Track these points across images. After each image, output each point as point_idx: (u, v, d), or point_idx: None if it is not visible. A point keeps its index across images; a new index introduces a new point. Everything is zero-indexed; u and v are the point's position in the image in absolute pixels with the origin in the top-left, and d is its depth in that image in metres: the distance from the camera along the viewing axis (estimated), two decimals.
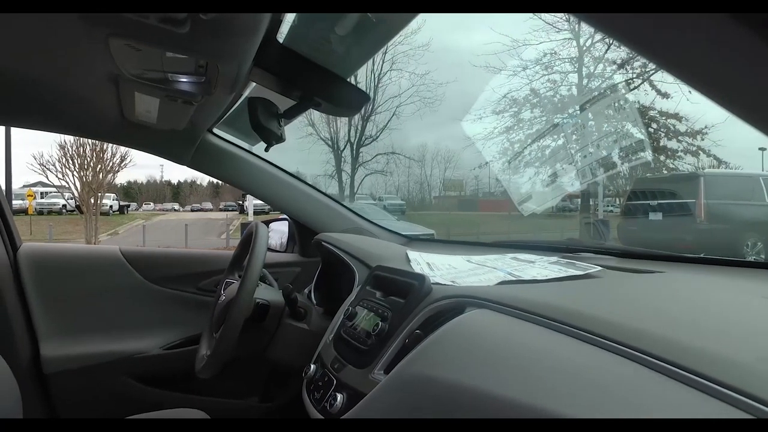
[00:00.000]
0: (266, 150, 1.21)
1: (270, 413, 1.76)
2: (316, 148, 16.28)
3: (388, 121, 16.07)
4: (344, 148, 16.20)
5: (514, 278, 0.99)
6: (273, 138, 1.05)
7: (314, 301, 1.49)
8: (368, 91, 15.64)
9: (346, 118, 15.59)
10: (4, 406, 1.29)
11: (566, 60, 10.91)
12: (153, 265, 1.77)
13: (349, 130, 16.09)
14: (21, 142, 32.79)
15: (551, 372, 0.63)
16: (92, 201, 15.78)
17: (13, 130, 11.99)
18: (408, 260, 1.26)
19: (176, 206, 32.00)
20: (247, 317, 1.22)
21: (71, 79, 1.24)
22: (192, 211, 29.72)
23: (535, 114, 10.64)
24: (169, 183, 39.02)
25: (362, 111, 15.65)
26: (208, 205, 31.80)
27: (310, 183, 1.78)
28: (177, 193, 37.45)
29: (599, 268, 1.01)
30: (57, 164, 15.06)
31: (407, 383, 0.81)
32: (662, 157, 9.71)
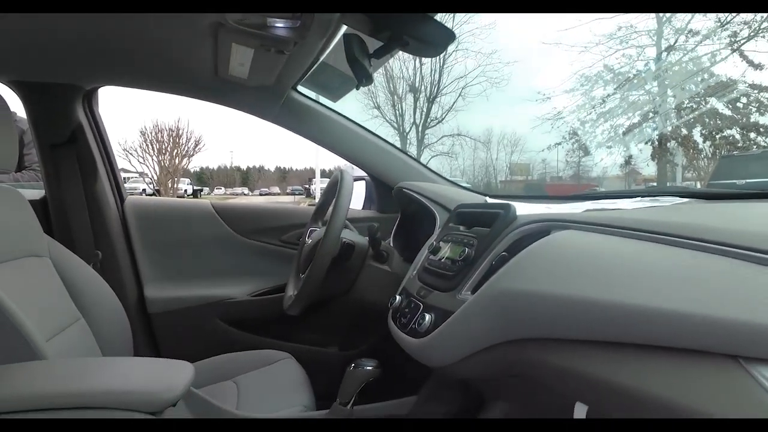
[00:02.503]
0: (357, 88, 1.27)
1: (348, 359, 1.85)
2: (381, 131, 16.35)
3: (454, 102, 15.88)
4: (409, 130, 16.19)
5: (599, 208, 1.00)
6: (364, 76, 1.10)
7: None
8: (434, 72, 15.55)
9: (410, 101, 15.57)
10: (120, 340, 1.44)
11: (643, 33, 10.38)
12: (240, 218, 1.88)
13: (414, 112, 16.04)
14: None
15: (646, 274, 0.65)
16: (170, 185, 16.66)
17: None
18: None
19: (245, 190, 33.17)
20: (334, 256, 1.29)
21: (171, 35, 1.34)
22: (260, 195, 30.74)
23: (608, 91, 10.22)
24: (238, 168, 40.45)
25: (429, 92, 15.57)
26: (275, 189, 32.79)
27: (389, 141, 1.82)
28: (246, 178, 38.79)
29: (686, 199, 1.01)
30: (138, 149, 15.97)
31: (495, 297, 0.85)
32: (752, 134, 9.03)
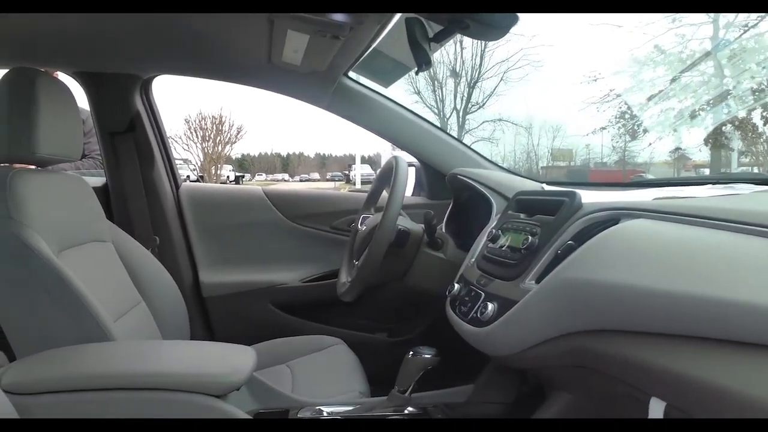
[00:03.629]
0: (417, 73, 1.25)
1: (396, 346, 1.85)
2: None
3: (496, 86, 15.60)
4: (450, 115, 16.00)
5: (669, 196, 0.96)
6: (424, 60, 1.08)
7: None
8: (475, 56, 15.30)
9: (451, 86, 15.38)
10: (178, 323, 1.48)
11: None
12: (291, 204, 1.90)
13: (455, 97, 15.84)
14: None
15: (739, 266, 0.62)
16: (213, 171, 17.06)
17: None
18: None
19: (286, 176, 33.57)
20: (390, 242, 1.29)
21: (228, 23, 1.35)
22: (301, 181, 31.07)
23: (658, 73, 9.79)
24: (278, 155, 40.96)
25: (470, 77, 15.35)
26: (315, 175, 33.07)
27: (441, 127, 1.81)
28: (286, 164, 39.25)
29: (765, 187, 0.95)
30: (183, 137, 16.39)
31: (562, 287, 0.83)
32: None
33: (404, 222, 1.38)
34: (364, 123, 1.77)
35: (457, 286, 1.14)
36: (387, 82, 1.70)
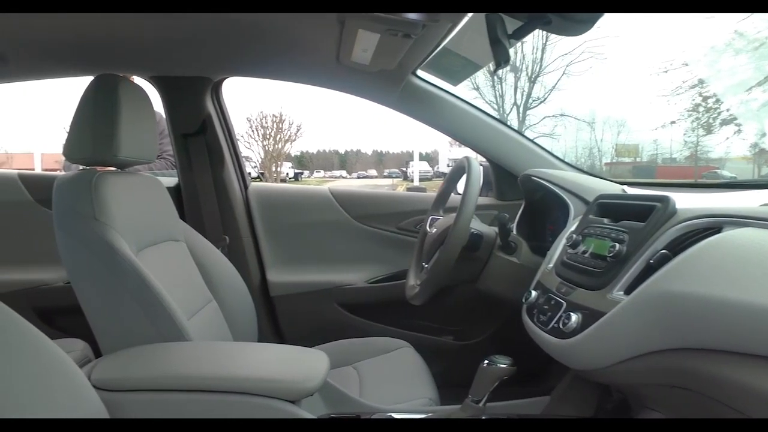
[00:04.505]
0: (495, 71, 1.21)
1: (464, 349, 1.81)
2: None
3: (558, 80, 15.14)
4: (510, 111, 15.66)
5: None
6: (504, 57, 1.04)
7: None
8: (536, 50, 14.91)
9: (511, 81, 15.05)
10: (246, 322, 1.50)
11: None
12: (357, 204, 1.90)
13: (515, 92, 15.48)
14: None
15: None
16: (273, 168, 17.49)
17: None
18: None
19: (343, 173, 33.98)
20: (463, 246, 1.25)
21: (299, 23, 1.35)
22: (358, 177, 31.35)
23: (740, 61, 9.16)
24: (336, 152, 41.51)
25: (530, 71, 14.98)
26: (373, 172, 33.29)
27: (511, 126, 1.75)
28: (344, 161, 39.75)
29: None
30: (244, 135, 16.90)
31: (656, 300, 0.77)
32: None
33: (477, 225, 1.34)
34: (433, 122, 1.74)
35: (534, 293, 1.09)
36: (456, 80, 1.66)
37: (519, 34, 1.04)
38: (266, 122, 17.41)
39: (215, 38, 1.44)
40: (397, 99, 1.70)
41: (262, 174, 17.22)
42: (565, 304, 0.97)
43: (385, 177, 28.52)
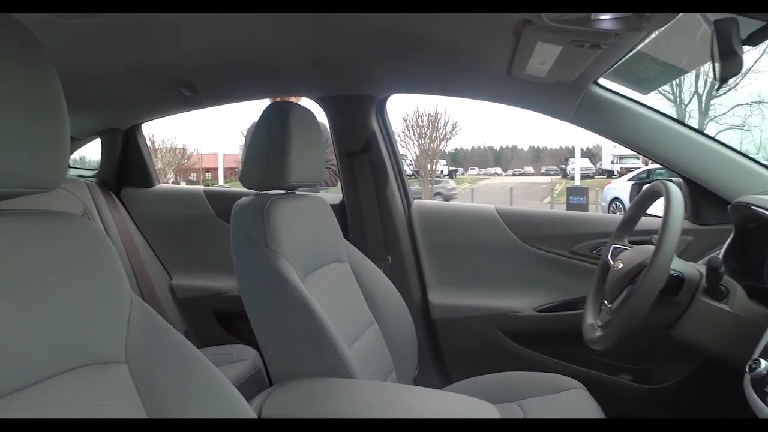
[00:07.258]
0: (718, 89, 1.02)
1: (647, 395, 1.58)
2: (651, 104, 14.41)
3: (756, 61, 13.05)
4: (689, 101, 13.94)
5: None
6: (735, 69, 0.84)
7: None
8: None
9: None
10: (407, 345, 1.45)
11: None
12: (525, 223, 1.76)
13: (696, 79, 13.71)
14: None
15: None
16: (428, 167, 17.71)
17: None
18: None
19: (499, 170, 33.25)
20: (660, 289, 1.07)
21: (469, 37, 1.27)
22: (514, 175, 30.45)
23: None
24: (491, 148, 40.76)
25: None
26: (529, 169, 32.09)
27: (715, 138, 1.48)
28: (499, 157, 38.90)
29: None
30: (401, 134, 17.36)
31: None
32: None
33: (677, 264, 1.14)
34: (618, 136, 1.54)
35: (763, 363, 0.88)
36: (647, 89, 1.45)
37: (756, 39, 0.83)
38: (422, 121, 17.68)
39: (380, 57, 1.42)
40: (575, 112, 1.53)
41: (416, 172, 17.52)
42: None
43: (543, 174, 27.30)
